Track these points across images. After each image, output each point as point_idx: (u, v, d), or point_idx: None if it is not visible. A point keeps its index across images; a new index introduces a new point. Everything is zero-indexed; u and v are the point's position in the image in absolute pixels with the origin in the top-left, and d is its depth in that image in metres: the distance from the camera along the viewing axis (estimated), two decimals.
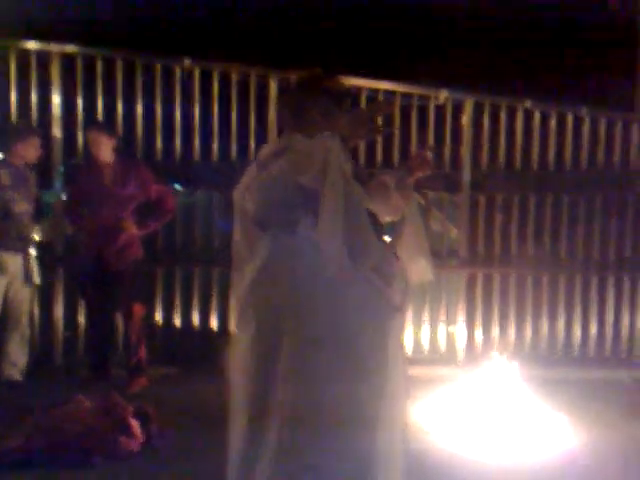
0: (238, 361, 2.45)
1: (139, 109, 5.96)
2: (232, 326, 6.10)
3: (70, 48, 5.86)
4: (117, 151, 5.25)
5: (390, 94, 6.09)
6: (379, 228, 2.58)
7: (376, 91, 6.03)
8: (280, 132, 2.70)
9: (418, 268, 2.61)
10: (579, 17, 7.53)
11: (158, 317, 6.10)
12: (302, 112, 2.45)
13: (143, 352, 5.29)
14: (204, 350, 5.87)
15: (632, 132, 6.46)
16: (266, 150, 2.47)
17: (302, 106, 2.45)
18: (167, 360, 5.88)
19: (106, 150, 5.17)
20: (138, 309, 5.26)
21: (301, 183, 2.22)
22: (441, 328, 6.31)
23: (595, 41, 7.47)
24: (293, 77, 5.79)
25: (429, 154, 2.69)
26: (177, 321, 6.12)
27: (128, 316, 5.25)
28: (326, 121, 2.41)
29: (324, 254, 2.22)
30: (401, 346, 2.54)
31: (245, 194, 2.35)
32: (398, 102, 6.11)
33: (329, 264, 2.22)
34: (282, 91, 5.53)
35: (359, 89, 5.94)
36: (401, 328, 2.54)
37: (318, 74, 2.56)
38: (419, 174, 2.69)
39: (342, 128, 2.33)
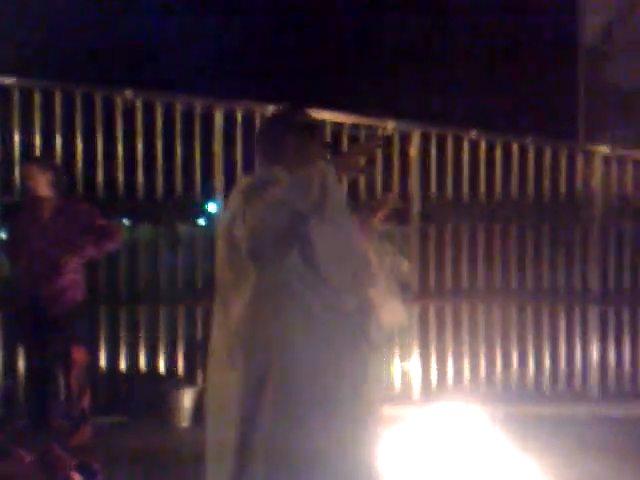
0: (219, 398, 2.38)
1: (79, 142, 5.74)
2: (181, 368, 5.90)
3: (6, 80, 5.62)
4: (55, 186, 4.99)
5: (337, 125, 6.02)
6: None
7: (322, 122, 5.95)
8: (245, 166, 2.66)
9: (391, 310, 2.60)
10: (522, 45, 7.64)
11: (102, 362, 5.83)
12: (278, 145, 2.47)
13: (86, 400, 5.02)
14: (152, 396, 5.65)
15: (576, 161, 6.52)
16: (249, 180, 2.40)
17: (278, 140, 2.48)
18: (112, 408, 5.64)
19: (42, 185, 4.92)
20: (79, 354, 4.99)
21: (299, 210, 2.19)
22: (395, 364, 6.19)
23: (537, 69, 7.58)
24: (240, 109, 5.86)
25: (393, 194, 2.76)
26: (122, 365, 5.87)
27: (68, 362, 4.97)
28: (302, 153, 2.46)
29: (330, 283, 2.24)
30: (378, 385, 2.52)
31: (234, 222, 2.25)
32: (346, 133, 6.05)
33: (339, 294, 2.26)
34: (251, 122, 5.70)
35: None
36: (379, 366, 2.52)
37: (291, 108, 2.64)
38: (381, 214, 2.72)
39: (319, 158, 2.39)
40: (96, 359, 5.74)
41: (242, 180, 2.43)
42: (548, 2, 7.62)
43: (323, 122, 5.73)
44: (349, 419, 2.31)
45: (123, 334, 5.84)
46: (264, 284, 2.27)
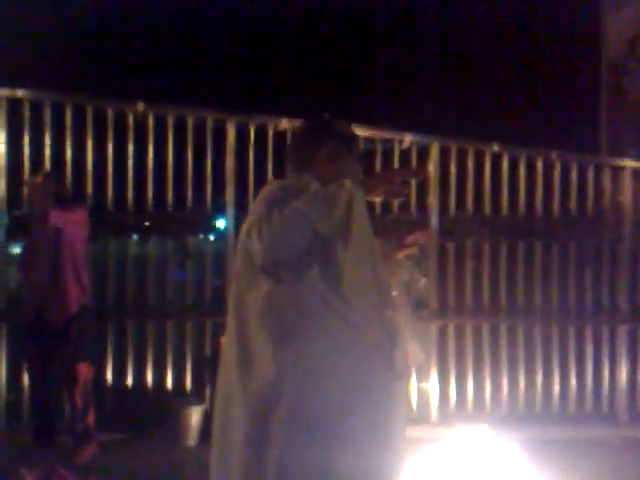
0: (226, 417, 2.23)
1: (89, 155, 5.67)
2: (189, 385, 5.74)
3: (18, 92, 5.58)
4: (61, 200, 4.90)
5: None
6: None
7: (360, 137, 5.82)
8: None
9: (410, 351, 2.42)
10: (545, 59, 7.50)
11: (108, 377, 5.69)
12: (310, 154, 2.34)
13: (91, 417, 4.89)
14: (159, 413, 5.49)
15: (603, 176, 6.30)
16: (275, 187, 2.26)
17: (311, 148, 2.35)
18: (118, 425, 5.47)
19: (46, 199, 4.83)
20: (84, 369, 4.88)
21: (320, 231, 2.03)
22: (412, 385, 5.95)
23: (559, 85, 7.43)
24: (253, 122, 5.77)
25: (427, 231, 2.61)
26: (129, 381, 5.72)
27: (73, 377, 4.84)
28: (335, 165, 2.32)
29: (350, 312, 2.11)
30: (403, 413, 2.35)
31: (251, 232, 2.10)
32: (361, 146, 5.90)
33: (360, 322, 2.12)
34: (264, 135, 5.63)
35: None
36: (404, 395, 2.34)
37: (328, 117, 2.48)
38: (409, 251, 2.56)
39: (352, 174, 2.25)
40: (102, 374, 5.61)
41: (270, 185, 2.29)
42: (572, 17, 7.47)
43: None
44: (371, 452, 2.15)
45: (130, 349, 5.71)
46: (277, 299, 2.13)
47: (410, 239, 2.57)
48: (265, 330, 2.12)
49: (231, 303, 2.26)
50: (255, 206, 2.21)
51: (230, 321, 2.25)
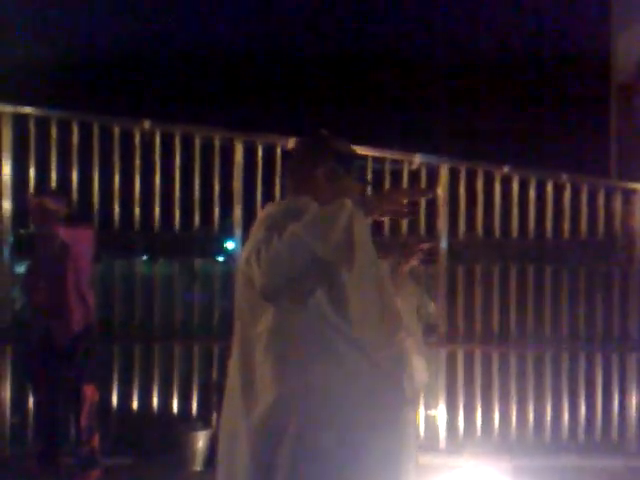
0: (231, 447, 2.14)
1: (96, 175, 5.59)
2: (195, 409, 5.65)
3: (24, 109, 5.51)
4: (66, 219, 4.81)
5: (361, 158, 5.79)
6: None
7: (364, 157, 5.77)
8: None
9: (415, 367, 2.33)
10: (553, 84, 7.47)
11: (114, 400, 5.60)
12: (308, 174, 2.26)
13: (96, 440, 4.79)
14: (165, 438, 5.43)
15: (614, 200, 6.23)
16: (273, 209, 2.19)
17: (308, 167, 2.27)
18: (123, 449, 5.41)
19: (51, 219, 4.74)
20: (90, 391, 4.79)
21: (317, 254, 1.95)
22: (420, 411, 5.85)
23: (569, 107, 7.39)
24: (261, 142, 5.70)
25: (427, 245, 2.53)
26: (135, 405, 5.63)
27: (79, 399, 4.75)
28: (333, 184, 2.25)
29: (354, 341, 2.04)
30: (414, 441, 2.30)
31: (250, 259, 2.02)
32: (370, 166, 5.84)
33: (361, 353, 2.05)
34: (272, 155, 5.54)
35: None
36: (413, 422, 2.25)
37: (325, 135, 2.40)
38: (414, 262, 2.48)
39: (351, 193, 2.18)
40: (108, 398, 5.53)
41: (269, 207, 2.23)
42: (581, 40, 7.44)
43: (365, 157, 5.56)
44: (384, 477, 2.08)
45: (136, 372, 5.63)
46: (283, 326, 2.06)
47: (411, 248, 2.52)
48: (270, 359, 2.05)
49: (235, 330, 2.19)
50: (254, 230, 2.14)
51: (235, 349, 2.17)
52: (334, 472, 2.01)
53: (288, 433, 2.00)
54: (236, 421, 2.11)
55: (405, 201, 2.21)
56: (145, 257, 5.74)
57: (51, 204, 4.75)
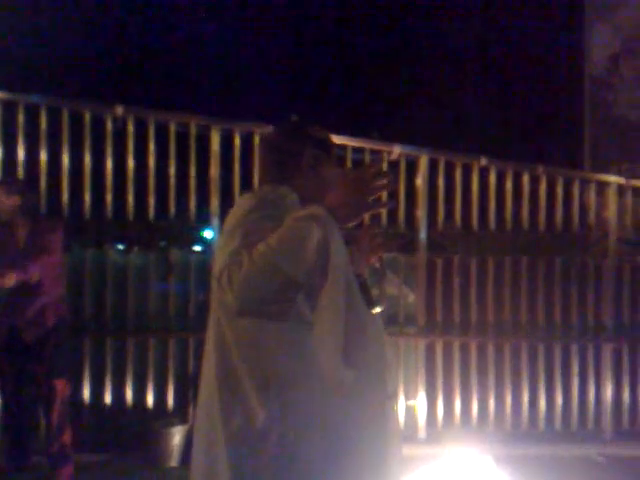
0: (206, 457, 2.01)
1: (65, 162, 5.39)
2: (171, 404, 5.51)
3: None
4: (24, 211, 4.59)
5: (340, 148, 5.71)
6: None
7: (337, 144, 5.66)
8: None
9: None
10: (526, 77, 7.49)
11: (86, 396, 5.42)
12: (289, 160, 2.13)
13: (68, 436, 4.62)
14: (139, 433, 5.27)
15: (588, 192, 6.26)
16: (247, 202, 2.02)
17: (289, 154, 2.14)
18: (97, 446, 5.27)
19: (9, 211, 4.53)
20: (61, 386, 4.60)
21: (290, 276, 1.82)
22: (400, 402, 5.81)
23: (543, 101, 7.42)
24: (238, 129, 5.58)
25: (378, 232, 2.34)
26: (109, 400, 5.47)
27: (49, 394, 4.57)
28: (315, 172, 2.13)
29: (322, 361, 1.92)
30: (398, 436, 2.18)
31: (222, 279, 1.87)
32: (349, 157, 5.76)
33: (327, 372, 1.92)
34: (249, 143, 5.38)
35: None
36: (396, 416, 2.20)
37: (305, 121, 2.28)
38: (373, 259, 2.32)
39: (334, 182, 2.03)
40: (81, 393, 5.37)
41: (242, 199, 2.07)
42: (553, 33, 7.46)
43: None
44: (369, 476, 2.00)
45: (110, 366, 5.46)
46: (261, 338, 1.93)
47: (363, 238, 2.36)
48: (249, 374, 1.93)
49: (210, 324, 2.04)
50: (227, 231, 2.00)
51: (209, 346, 2.03)
52: (318, 478, 1.92)
53: (269, 440, 1.90)
54: (213, 426, 1.98)
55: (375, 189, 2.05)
56: (118, 247, 5.55)
57: (8, 195, 4.53)
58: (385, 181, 1.94)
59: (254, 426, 1.90)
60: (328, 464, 1.92)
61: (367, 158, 5.87)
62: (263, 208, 1.97)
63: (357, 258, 2.29)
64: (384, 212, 5.83)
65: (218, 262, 1.93)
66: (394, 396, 2.17)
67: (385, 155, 5.92)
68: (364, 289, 2.18)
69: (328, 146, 2.20)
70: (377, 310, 2.19)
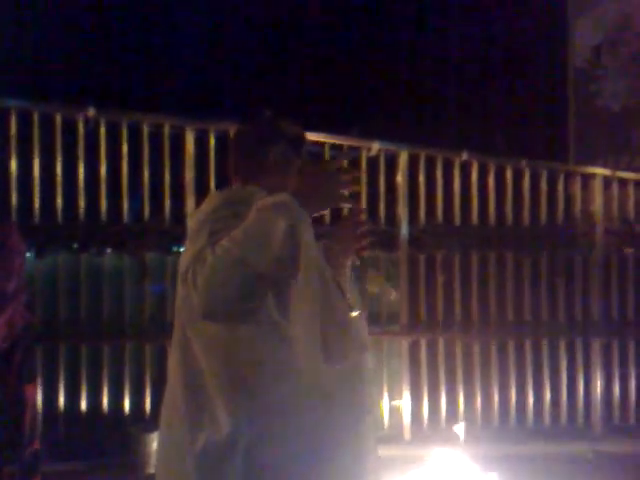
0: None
1: (36, 164, 5.32)
2: (149, 408, 5.42)
3: None
4: None
5: (318, 146, 5.63)
6: None
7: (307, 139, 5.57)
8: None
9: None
10: (512, 67, 7.42)
11: (61, 403, 5.33)
12: (257, 158, 2.05)
13: (37, 444, 4.51)
14: (116, 440, 5.19)
15: (573, 184, 6.18)
16: (215, 201, 1.94)
17: (256, 152, 2.06)
18: (72, 453, 5.14)
19: None
20: (31, 391, 4.51)
21: (257, 271, 1.72)
22: (384, 402, 5.72)
23: (527, 92, 7.35)
24: (213, 129, 5.49)
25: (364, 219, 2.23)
26: (83, 406, 5.37)
27: (21, 401, 4.47)
28: (284, 169, 2.05)
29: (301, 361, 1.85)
30: (375, 451, 2.10)
31: (187, 278, 1.78)
32: (327, 153, 5.68)
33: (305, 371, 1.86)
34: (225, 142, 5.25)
35: None
36: (374, 431, 2.10)
37: (272, 116, 2.21)
38: (355, 253, 2.20)
39: (302, 182, 1.88)
40: (55, 400, 5.28)
41: (211, 198, 1.99)
42: (537, 25, 7.39)
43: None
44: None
45: (84, 372, 5.37)
46: (228, 342, 1.84)
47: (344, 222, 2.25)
48: (216, 378, 1.84)
49: (175, 330, 1.94)
50: (192, 227, 1.91)
51: (174, 353, 1.93)
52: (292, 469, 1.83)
53: (237, 449, 1.81)
54: (179, 437, 1.89)
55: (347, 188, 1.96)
56: (92, 250, 5.47)
57: None
58: (350, 176, 1.87)
59: (221, 436, 1.81)
60: (302, 470, 1.84)
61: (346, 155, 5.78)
62: (230, 206, 1.89)
63: (337, 253, 2.18)
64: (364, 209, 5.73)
65: (183, 262, 1.84)
66: (373, 411, 2.10)
67: (364, 151, 5.84)
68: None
69: (299, 142, 2.11)
70: (353, 314, 2.09)
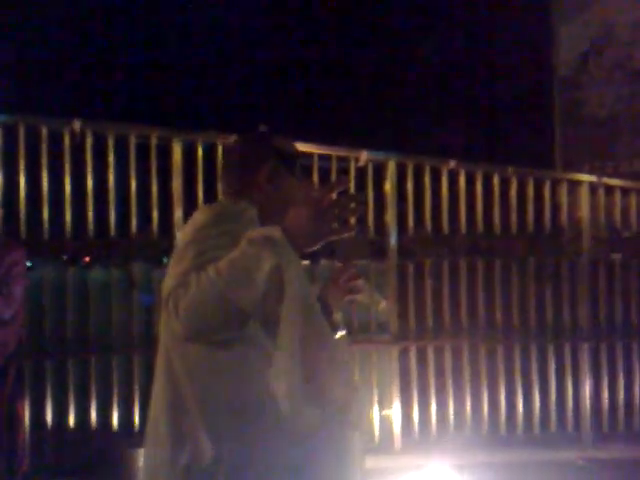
0: None
1: (22, 177, 5.28)
2: (137, 424, 5.39)
3: None
4: None
5: (306, 156, 5.63)
6: None
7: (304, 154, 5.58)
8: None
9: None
10: (495, 77, 7.45)
11: (48, 419, 5.27)
12: (247, 175, 2.01)
13: (26, 464, 4.50)
14: (104, 455, 5.12)
15: (560, 191, 6.21)
16: (205, 216, 1.90)
17: (247, 168, 2.02)
18: (61, 470, 5.12)
19: None
20: (21, 408, 4.50)
21: (240, 306, 1.71)
22: (374, 411, 5.70)
23: (512, 99, 7.37)
24: (201, 140, 5.48)
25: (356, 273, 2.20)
26: (72, 422, 5.31)
27: (14, 418, 4.46)
28: (275, 187, 2.00)
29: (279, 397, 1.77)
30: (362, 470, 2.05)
31: (168, 300, 1.75)
32: (316, 164, 5.68)
33: (284, 407, 1.77)
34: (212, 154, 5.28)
35: None
36: (360, 450, 2.03)
37: (265, 131, 2.20)
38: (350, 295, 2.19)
39: (293, 198, 1.89)
40: (42, 416, 5.22)
41: (199, 213, 1.95)
42: (522, 32, 7.42)
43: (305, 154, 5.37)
44: None
45: (72, 387, 5.31)
46: (210, 366, 1.82)
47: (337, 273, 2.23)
48: (199, 403, 1.81)
49: (159, 361, 1.91)
50: (179, 244, 1.89)
51: (157, 387, 1.90)
52: None
53: (219, 474, 1.77)
54: (161, 462, 1.86)
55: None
56: (78, 264, 5.43)
57: None
58: (353, 205, 1.81)
59: (201, 465, 1.78)
60: None
61: (334, 165, 5.79)
62: (219, 223, 1.86)
63: (332, 292, 2.18)
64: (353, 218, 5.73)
65: (166, 284, 1.81)
66: (359, 425, 2.03)
67: (352, 162, 5.84)
68: (325, 313, 2.06)
69: (292, 159, 2.07)
70: (340, 334, 2.08)
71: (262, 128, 2.26)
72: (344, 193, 1.81)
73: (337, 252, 5.44)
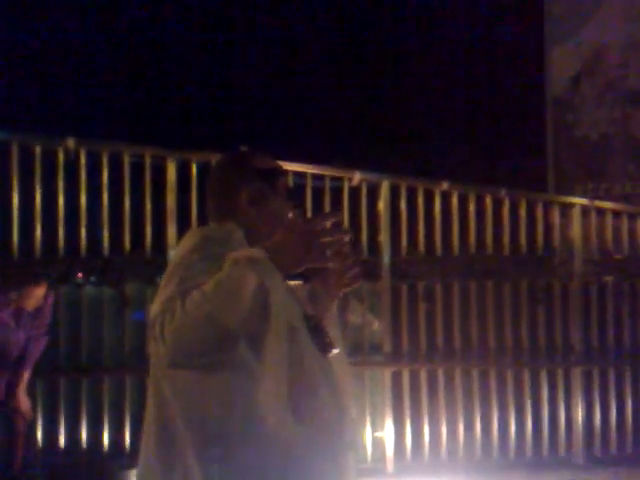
0: None
1: (15, 196, 5.26)
2: (128, 444, 5.34)
3: None
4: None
5: (300, 176, 5.63)
6: None
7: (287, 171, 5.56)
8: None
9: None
10: (488, 99, 7.48)
11: (39, 438, 5.24)
12: (231, 197, 1.99)
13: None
14: (95, 475, 5.13)
15: (552, 214, 6.22)
16: (194, 239, 1.90)
17: (229, 190, 1.99)
18: None
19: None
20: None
21: (227, 327, 1.69)
22: (367, 433, 5.67)
23: (504, 122, 7.40)
24: (195, 159, 5.47)
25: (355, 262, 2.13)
26: (62, 442, 5.29)
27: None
28: (259, 207, 1.97)
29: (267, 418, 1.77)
30: None
31: (155, 325, 1.73)
32: (309, 184, 5.68)
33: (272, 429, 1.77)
34: (207, 172, 5.19)
35: None
36: (353, 470, 1.99)
37: (246, 151, 2.16)
38: (338, 280, 2.12)
39: (278, 218, 1.91)
40: (33, 435, 5.18)
41: (190, 236, 1.95)
42: (515, 54, 7.46)
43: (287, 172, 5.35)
44: None
45: (63, 407, 5.29)
46: (198, 390, 1.79)
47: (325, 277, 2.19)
48: (187, 430, 1.79)
49: (149, 385, 1.90)
50: (168, 268, 1.86)
51: (148, 411, 1.88)
52: None
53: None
54: (155, 477, 1.84)
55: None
56: (71, 282, 5.40)
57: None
58: (341, 237, 1.77)
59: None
60: None
61: (327, 185, 5.79)
62: (206, 247, 1.85)
63: (322, 296, 2.15)
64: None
65: (153, 308, 1.79)
66: (353, 445, 2.01)
67: (346, 182, 5.84)
68: (318, 332, 2.05)
69: (274, 177, 2.04)
70: (334, 352, 2.06)
71: (243, 148, 2.25)
72: (337, 224, 1.80)
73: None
